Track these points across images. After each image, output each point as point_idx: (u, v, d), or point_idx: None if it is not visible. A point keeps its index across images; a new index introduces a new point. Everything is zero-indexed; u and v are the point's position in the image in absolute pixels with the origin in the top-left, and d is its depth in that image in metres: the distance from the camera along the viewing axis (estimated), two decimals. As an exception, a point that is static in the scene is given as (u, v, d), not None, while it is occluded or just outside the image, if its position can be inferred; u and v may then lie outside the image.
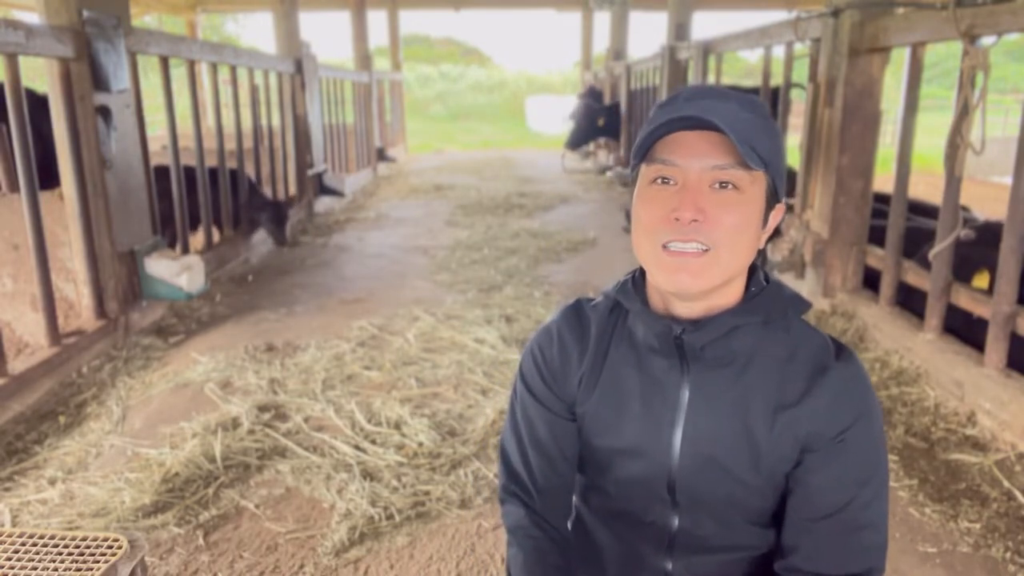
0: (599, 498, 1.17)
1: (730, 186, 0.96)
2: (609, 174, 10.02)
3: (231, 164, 5.62)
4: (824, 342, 1.06)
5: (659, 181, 0.98)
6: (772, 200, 1.02)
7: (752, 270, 1.07)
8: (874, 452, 1.03)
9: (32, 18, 7.03)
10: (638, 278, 1.10)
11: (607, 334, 1.12)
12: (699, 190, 0.95)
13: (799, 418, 1.02)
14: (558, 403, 1.15)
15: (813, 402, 1.02)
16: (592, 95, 10.92)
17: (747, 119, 0.95)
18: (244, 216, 5.67)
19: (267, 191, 6.18)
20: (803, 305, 1.06)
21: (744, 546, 1.11)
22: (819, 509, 1.03)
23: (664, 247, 0.97)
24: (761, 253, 1.09)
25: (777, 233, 1.11)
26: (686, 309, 1.03)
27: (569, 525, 1.26)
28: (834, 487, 1.02)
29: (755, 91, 5.58)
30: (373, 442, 2.70)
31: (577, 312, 1.16)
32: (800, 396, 1.02)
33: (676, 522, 1.10)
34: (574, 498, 1.25)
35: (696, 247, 0.96)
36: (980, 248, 3.13)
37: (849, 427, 1.01)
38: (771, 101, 5.22)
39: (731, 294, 1.03)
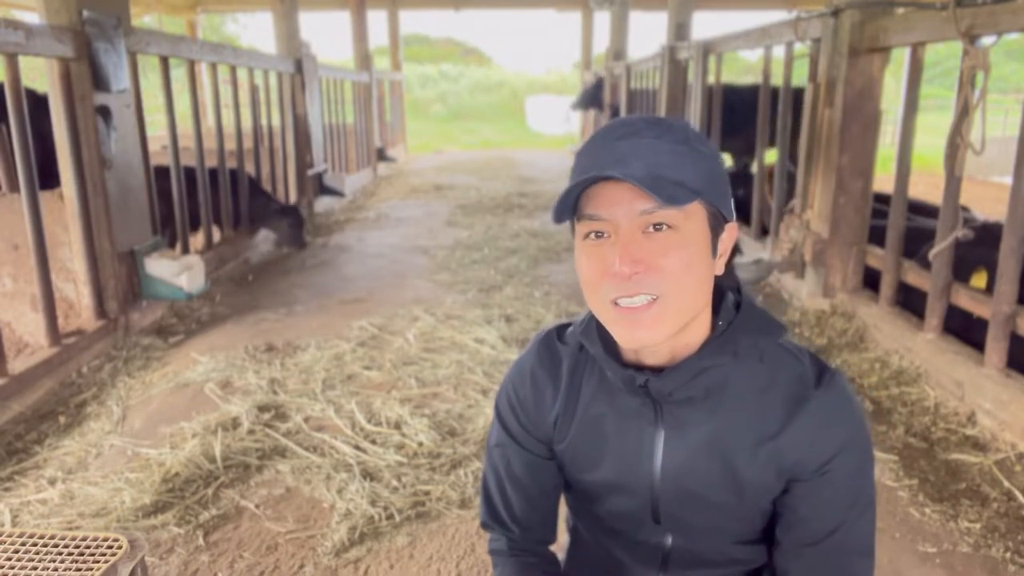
0: (591, 520, 1.18)
1: (664, 227, 0.91)
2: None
3: (231, 164, 5.63)
4: (802, 368, 1.02)
5: (592, 236, 0.94)
6: (717, 225, 0.97)
7: (720, 296, 1.03)
8: (861, 476, 1.01)
9: (32, 18, 7.05)
10: None
11: (579, 371, 1.10)
12: (632, 240, 0.91)
13: (781, 450, 1.00)
14: (535, 443, 1.14)
15: (794, 434, 0.99)
16: (599, 86, 11.25)
17: (668, 151, 0.92)
18: (264, 224, 5.75)
19: (268, 191, 6.18)
20: (777, 332, 1.02)
21: (737, 560, 1.12)
22: (808, 535, 1.02)
23: (614, 303, 0.93)
24: (731, 275, 1.04)
25: (733, 253, 1.05)
26: (652, 353, 1.00)
27: (567, 535, 1.27)
28: (822, 514, 1.01)
29: (755, 89, 5.58)
30: (373, 442, 2.70)
31: (549, 347, 1.13)
32: (780, 428, 1.00)
33: (670, 540, 1.10)
34: (569, 514, 1.26)
35: (644, 299, 0.92)
36: (979, 248, 3.13)
37: (834, 457, 0.99)
38: (771, 101, 5.22)
39: (697, 331, 0.99)
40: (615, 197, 0.92)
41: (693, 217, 0.93)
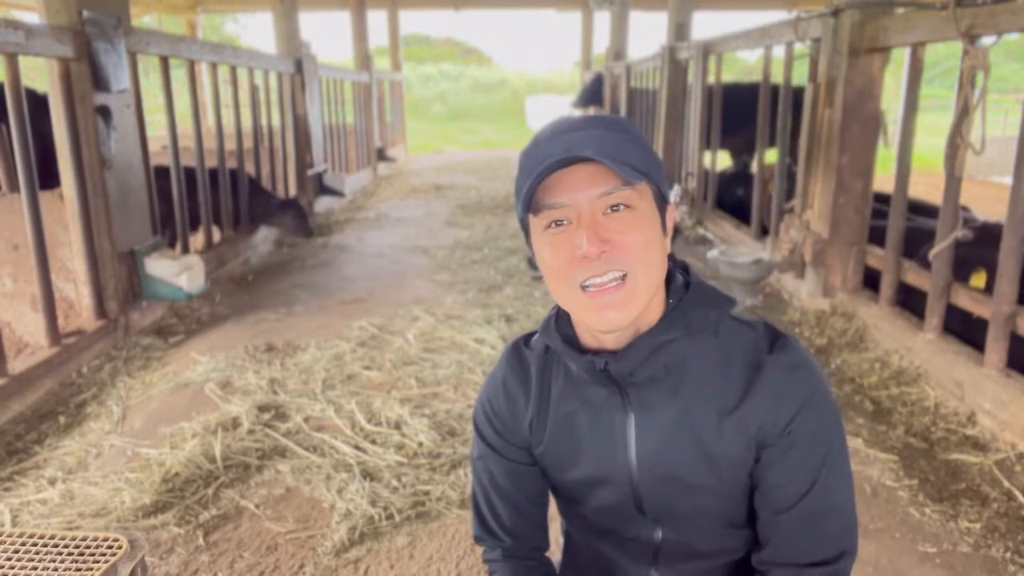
0: (581, 522, 1.19)
1: (622, 207, 0.96)
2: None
3: (231, 164, 5.63)
4: (755, 337, 1.05)
5: (553, 226, 0.97)
6: (662, 205, 1.02)
7: (669, 277, 1.06)
8: (826, 434, 1.02)
9: (32, 18, 7.04)
10: (562, 313, 1.09)
11: (547, 372, 1.12)
12: (595, 221, 0.95)
13: (745, 419, 1.02)
14: (515, 451, 1.16)
15: (754, 400, 1.01)
16: (599, 82, 11.27)
17: (612, 139, 0.96)
18: (268, 221, 5.80)
19: (268, 189, 6.19)
20: (726, 305, 1.05)
21: (728, 549, 1.12)
22: (783, 501, 1.03)
23: (583, 288, 0.96)
24: (673, 257, 1.08)
25: (677, 232, 1.09)
26: (614, 338, 1.02)
27: (563, 539, 1.28)
28: (793, 478, 1.02)
29: (755, 87, 5.58)
30: (373, 442, 2.70)
31: (518, 355, 1.16)
32: (740, 397, 1.02)
33: (660, 534, 1.11)
34: (560, 518, 1.26)
35: (613, 276, 0.95)
36: (978, 248, 3.13)
37: (794, 417, 1.00)
38: (771, 100, 5.22)
39: (654, 310, 1.02)
40: (573, 184, 0.95)
41: (644, 196, 0.98)
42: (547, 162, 0.94)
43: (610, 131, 0.97)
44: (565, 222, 0.96)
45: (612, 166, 0.92)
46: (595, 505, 1.12)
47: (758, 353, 1.03)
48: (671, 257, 1.06)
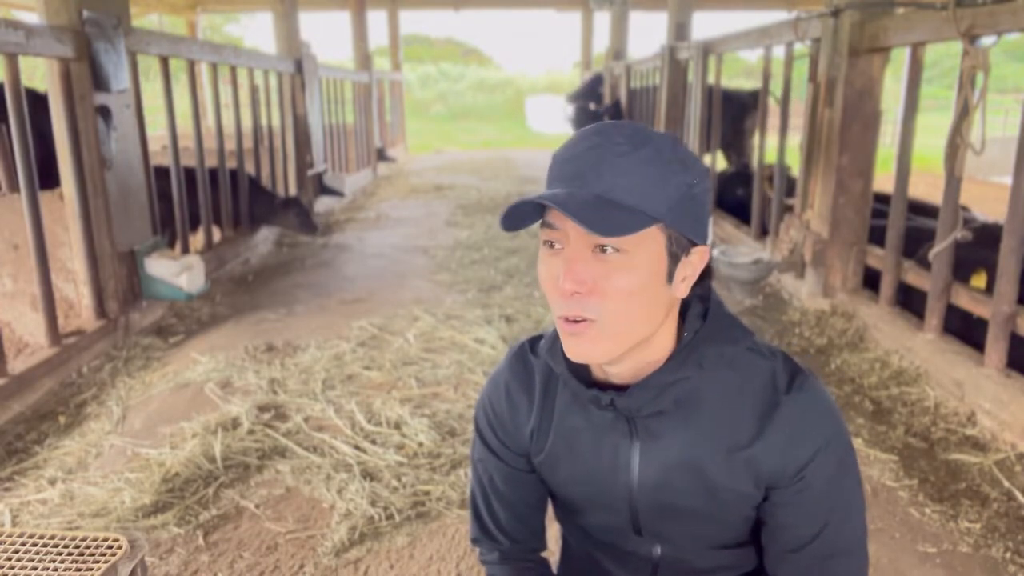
0: (579, 531, 1.18)
1: (610, 249, 0.88)
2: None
3: (231, 164, 5.63)
4: (771, 373, 0.99)
5: (548, 244, 0.94)
6: (679, 250, 0.92)
7: (686, 305, 1.00)
8: (841, 479, 0.99)
9: (32, 18, 7.04)
10: None
11: (552, 384, 1.09)
12: (579, 258, 0.89)
13: (756, 458, 0.98)
14: (515, 457, 1.14)
15: (767, 441, 0.97)
16: (597, 81, 11.22)
17: (636, 171, 0.88)
18: (272, 221, 5.81)
19: (269, 188, 6.19)
20: (743, 340, 0.99)
21: (728, 566, 1.11)
22: (792, 541, 1.01)
23: (563, 318, 0.92)
24: (705, 286, 1.01)
25: (708, 273, 0.98)
26: (615, 370, 0.99)
27: (560, 543, 1.27)
28: (803, 520, 1.00)
29: (755, 93, 5.58)
30: (373, 442, 2.70)
31: (523, 360, 1.12)
32: (752, 436, 0.98)
33: (659, 550, 1.10)
34: (558, 526, 1.26)
35: (583, 319, 0.91)
36: (978, 249, 3.14)
37: (809, 462, 0.97)
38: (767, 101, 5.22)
39: (660, 347, 0.97)
40: None
41: (648, 242, 0.89)
42: (550, 185, 0.91)
43: (640, 160, 0.88)
44: (557, 245, 0.92)
45: (581, 224, 0.84)
46: (592, 521, 1.11)
47: (775, 391, 0.98)
48: (699, 287, 1.00)
